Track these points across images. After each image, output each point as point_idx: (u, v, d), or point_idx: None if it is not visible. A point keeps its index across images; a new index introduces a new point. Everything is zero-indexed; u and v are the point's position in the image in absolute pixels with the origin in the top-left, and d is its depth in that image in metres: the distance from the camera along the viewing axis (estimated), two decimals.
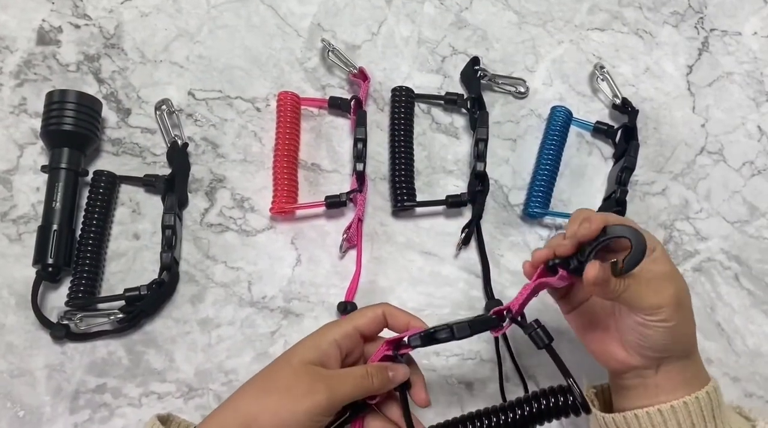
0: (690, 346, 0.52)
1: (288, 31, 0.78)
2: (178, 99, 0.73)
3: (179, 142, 0.70)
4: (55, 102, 0.65)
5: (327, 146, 0.74)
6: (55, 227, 0.64)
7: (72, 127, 0.65)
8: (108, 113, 0.71)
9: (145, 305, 0.64)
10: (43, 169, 0.66)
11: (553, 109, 0.77)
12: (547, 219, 0.74)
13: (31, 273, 0.64)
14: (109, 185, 0.67)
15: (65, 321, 0.63)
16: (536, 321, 0.52)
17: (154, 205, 0.69)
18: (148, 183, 0.69)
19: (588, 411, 0.51)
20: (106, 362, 0.63)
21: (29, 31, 0.73)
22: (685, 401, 0.50)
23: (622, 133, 0.75)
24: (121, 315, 0.63)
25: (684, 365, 0.52)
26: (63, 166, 0.65)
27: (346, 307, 0.66)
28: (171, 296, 0.66)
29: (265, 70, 0.76)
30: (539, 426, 0.52)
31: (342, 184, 0.73)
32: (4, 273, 0.65)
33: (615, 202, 0.70)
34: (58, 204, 0.65)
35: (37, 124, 0.69)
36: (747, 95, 0.81)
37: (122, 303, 0.64)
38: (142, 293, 0.64)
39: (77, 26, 0.74)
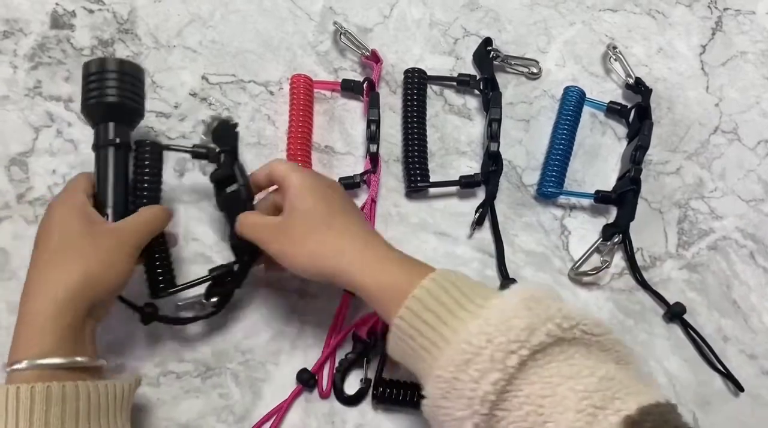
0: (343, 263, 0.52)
1: (300, 14, 0.78)
2: (192, 83, 0.73)
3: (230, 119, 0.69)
4: (94, 73, 0.58)
5: (340, 129, 0.74)
6: (109, 211, 0.58)
7: (117, 98, 0.58)
8: None
9: (235, 281, 0.62)
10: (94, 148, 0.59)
11: (566, 89, 0.77)
12: (561, 199, 0.73)
13: None
14: (156, 155, 0.61)
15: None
16: None
17: (170, 189, 0.69)
18: (199, 154, 0.63)
19: None
20: (125, 342, 0.64)
21: (43, 15, 0.73)
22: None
23: (636, 113, 0.75)
24: (214, 299, 0.62)
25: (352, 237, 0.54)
26: (112, 141, 0.58)
27: None
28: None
29: (277, 54, 0.76)
30: None
31: (356, 166, 0.73)
32: (22, 255, 0.65)
33: (629, 180, 0.70)
34: (110, 185, 0.58)
35: (53, 106, 0.69)
36: (761, 74, 0.81)
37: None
38: (232, 269, 0.62)
39: (91, 11, 0.75)
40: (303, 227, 0.54)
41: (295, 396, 0.63)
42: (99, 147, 0.59)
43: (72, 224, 0.53)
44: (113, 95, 0.57)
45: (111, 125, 0.58)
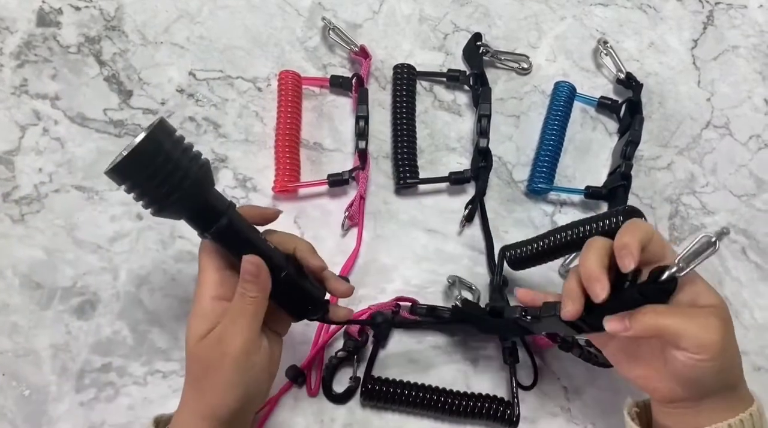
0: (736, 379, 0.49)
1: (288, 10, 0.77)
2: (179, 79, 0.73)
3: None
4: (152, 166, 0.43)
5: (329, 125, 0.74)
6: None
7: (193, 177, 0.45)
8: (109, 95, 0.71)
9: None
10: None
11: (557, 84, 0.76)
12: (552, 195, 0.73)
13: (35, 252, 0.64)
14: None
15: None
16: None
17: None
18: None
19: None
20: (111, 341, 0.63)
21: (29, 12, 0.73)
22: (729, 423, 0.47)
23: (627, 108, 0.75)
24: None
25: (729, 394, 0.49)
26: (222, 214, 0.47)
27: None
28: None
29: (265, 50, 0.75)
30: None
31: (344, 163, 0.72)
32: (8, 254, 0.65)
33: (620, 176, 0.70)
34: (259, 248, 0.49)
35: (39, 104, 0.69)
36: (753, 68, 0.80)
37: None
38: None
39: (77, 8, 0.74)
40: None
41: (283, 392, 0.63)
42: (214, 228, 0.47)
43: (190, 339, 0.49)
44: (188, 177, 0.44)
45: (206, 201, 0.47)
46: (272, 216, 0.53)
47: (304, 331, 0.65)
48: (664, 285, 0.46)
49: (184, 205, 0.45)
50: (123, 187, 0.44)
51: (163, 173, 0.43)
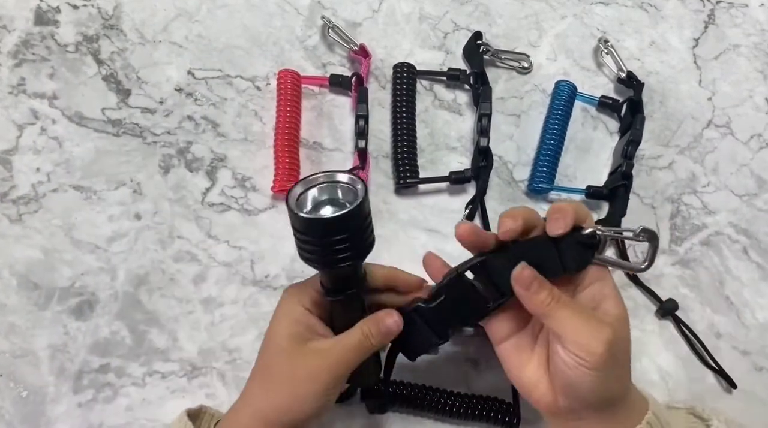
0: (619, 400, 0.47)
1: (288, 9, 0.77)
2: (178, 78, 0.72)
3: None
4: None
5: (328, 124, 0.73)
6: None
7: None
8: (108, 94, 0.71)
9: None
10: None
11: (558, 83, 0.76)
12: (552, 195, 0.73)
13: (33, 252, 0.64)
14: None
15: None
16: None
17: (155, 185, 0.68)
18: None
19: None
20: (110, 342, 0.63)
21: (27, 11, 0.72)
22: None
23: (628, 107, 0.74)
24: None
25: (614, 412, 0.47)
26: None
27: None
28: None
29: (264, 49, 0.75)
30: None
31: (344, 162, 0.72)
32: (5, 254, 0.64)
33: (621, 175, 0.69)
34: None
35: (37, 104, 0.69)
36: (754, 67, 0.80)
37: None
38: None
39: (75, 7, 0.74)
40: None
41: None
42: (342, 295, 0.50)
43: (280, 340, 0.50)
44: (368, 247, 0.48)
45: (358, 272, 0.51)
46: (416, 286, 0.55)
47: None
48: (581, 239, 0.48)
49: (346, 269, 0.47)
50: (319, 238, 0.44)
51: (361, 232, 0.46)
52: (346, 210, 0.43)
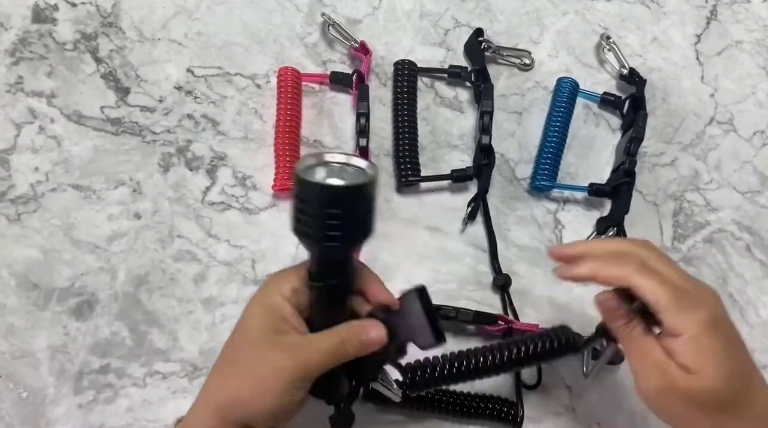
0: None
1: (287, 6, 0.76)
2: (177, 76, 0.72)
3: None
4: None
5: (329, 122, 0.73)
6: None
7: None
8: (107, 92, 0.70)
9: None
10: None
11: (559, 80, 0.75)
12: (555, 193, 0.72)
13: (31, 252, 0.63)
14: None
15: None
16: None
17: (155, 184, 0.68)
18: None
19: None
20: (110, 342, 0.63)
21: (24, 8, 0.71)
22: None
23: (630, 104, 0.74)
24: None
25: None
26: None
27: None
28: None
29: (264, 46, 0.74)
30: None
31: None
32: (4, 254, 0.64)
33: (624, 172, 0.69)
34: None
35: (35, 102, 0.68)
36: (757, 64, 0.80)
37: None
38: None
39: (73, 4, 0.73)
40: None
41: None
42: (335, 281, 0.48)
43: (250, 332, 0.47)
44: (369, 231, 0.46)
45: (350, 256, 0.48)
46: (386, 300, 0.48)
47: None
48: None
49: (336, 250, 0.45)
50: (318, 207, 0.42)
51: (362, 215, 0.44)
52: (351, 183, 0.43)
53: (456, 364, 0.52)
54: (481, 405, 0.62)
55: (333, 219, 0.42)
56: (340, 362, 0.46)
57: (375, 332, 0.46)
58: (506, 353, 0.53)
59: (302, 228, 0.44)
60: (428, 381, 0.52)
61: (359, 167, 0.45)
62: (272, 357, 0.45)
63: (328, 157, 0.45)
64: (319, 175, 0.44)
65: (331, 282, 0.47)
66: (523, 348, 0.53)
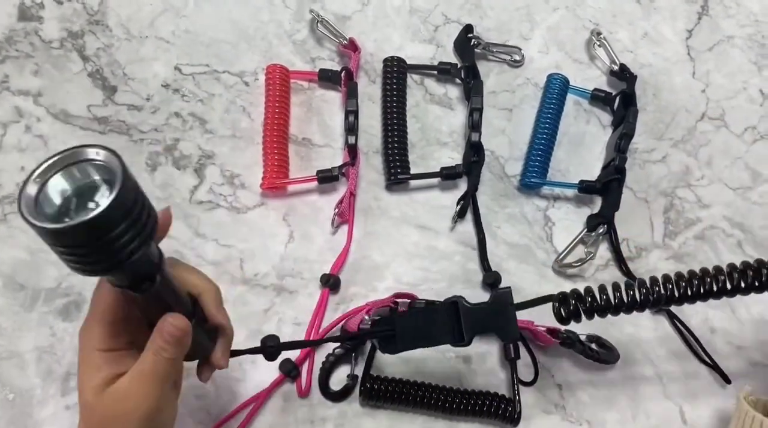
0: None
1: (275, 2, 0.76)
2: (165, 74, 0.71)
3: None
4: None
5: (318, 120, 0.73)
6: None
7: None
8: (93, 91, 0.70)
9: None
10: None
11: (550, 77, 0.75)
12: (545, 190, 0.72)
13: (18, 253, 0.63)
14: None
15: None
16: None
17: (142, 183, 0.67)
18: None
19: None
20: None
21: (10, 6, 0.71)
22: None
23: (621, 100, 0.74)
24: None
25: None
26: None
27: (328, 280, 0.65)
28: None
29: (252, 44, 0.74)
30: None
31: (334, 158, 0.71)
32: None
33: (614, 169, 0.68)
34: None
35: (21, 101, 0.68)
36: (748, 59, 0.79)
37: None
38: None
39: (60, 2, 0.73)
40: None
41: (275, 386, 0.62)
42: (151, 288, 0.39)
43: (85, 395, 0.43)
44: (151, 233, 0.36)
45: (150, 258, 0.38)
46: (168, 222, 0.43)
47: (293, 332, 0.64)
48: None
49: (138, 263, 0.35)
50: (84, 243, 0.32)
51: (140, 217, 0.34)
52: (112, 196, 0.31)
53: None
54: (479, 402, 0.61)
55: (116, 241, 0.33)
56: (174, 368, 0.43)
57: (168, 325, 0.42)
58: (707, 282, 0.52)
59: (83, 267, 0.34)
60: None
61: (88, 159, 0.34)
62: (112, 413, 0.42)
63: (51, 169, 0.33)
64: (59, 198, 0.33)
65: (149, 287, 0.39)
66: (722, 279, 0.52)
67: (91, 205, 0.33)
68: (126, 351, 0.44)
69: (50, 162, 0.33)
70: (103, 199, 0.31)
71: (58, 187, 0.33)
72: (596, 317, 0.52)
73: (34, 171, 0.33)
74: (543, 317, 0.58)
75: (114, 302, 0.42)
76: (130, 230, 0.33)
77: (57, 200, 0.33)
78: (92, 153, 0.34)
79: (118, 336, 0.43)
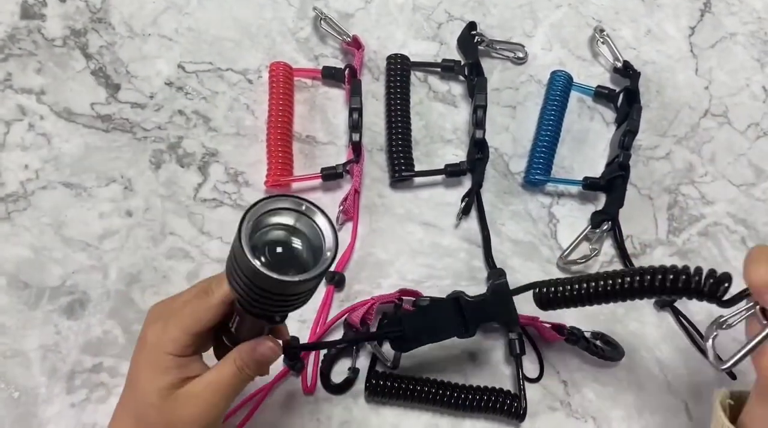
0: None
1: (279, 0, 0.76)
2: (168, 72, 0.71)
3: None
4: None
5: (322, 118, 0.72)
6: None
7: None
8: (97, 89, 0.70)
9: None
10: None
11: (553, 74, 0.75)
12: (549, 187, 0.72)
13: (22, 251, 0.62)
14: None
15: None
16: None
17: (146, 181, 0.67)
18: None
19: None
20: (102, 341, 0.62)
21: (12, 4, 0.71)
22: None
23: (624, 97, 0.74)
24: None
25: None
26: None
27: (333, 277, 0.65)
28: None
29: (256, 41, 0.74)
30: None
31: (338, 156, 0.71)
32: None
33: (618, 166, 0.69)
34: None
35: (24, 99, 0.68)
36: (751, 56, 0.79)
37: None
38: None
39: (62, 0, 0.72)
40: None
41: (278, 379, 0.62)
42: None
43: (148, 396, 0.44)
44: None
45: None
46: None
47: (297, 328, 0.64)
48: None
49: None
50: (275, 292, 0.39)
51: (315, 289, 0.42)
52: (316, 272, 0.38)
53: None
54: (485, 397, 0.61)
55: (287, 301, 0.41)
56: (246, 385, 0.46)
57: (263, 347, 0.45)
58: (636, 278, 0.50)
59: (253, 305, 0.41)
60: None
61: (318, 225, 0.40)
62: (180, 414, 0.44)
63: (282, 211, 0.40)
64: (271, 235, 0.40)
65: (280, 321, 0.47)
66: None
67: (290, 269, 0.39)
68: (193, 357, 0.46)
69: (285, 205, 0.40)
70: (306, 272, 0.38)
71: (280, 227, 0.40)
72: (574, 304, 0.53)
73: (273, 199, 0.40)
74: (548, 315, 0.58)
75: (211, 318, 0.45)
76: (302, 298, 0.41)
77: (270, 235, 0.40)
78: (322, 221, 0.40)
79: (194, 345, 0.45)
